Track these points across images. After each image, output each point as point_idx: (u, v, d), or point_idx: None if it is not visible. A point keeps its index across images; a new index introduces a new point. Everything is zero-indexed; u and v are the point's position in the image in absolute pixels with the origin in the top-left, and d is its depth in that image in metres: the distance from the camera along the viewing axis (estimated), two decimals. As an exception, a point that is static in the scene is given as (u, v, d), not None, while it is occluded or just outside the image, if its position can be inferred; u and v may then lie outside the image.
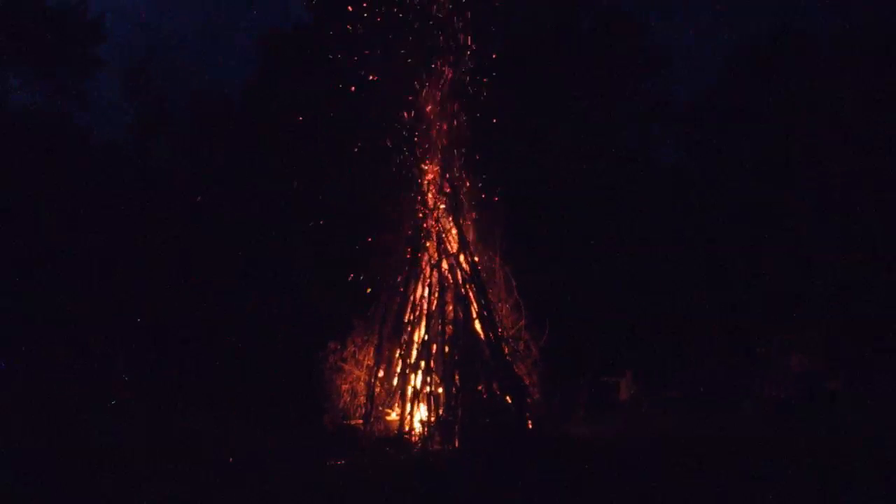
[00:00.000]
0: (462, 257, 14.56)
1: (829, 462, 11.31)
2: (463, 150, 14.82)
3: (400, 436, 13.92)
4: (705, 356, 20.69)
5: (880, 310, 18.76)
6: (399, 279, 14.71)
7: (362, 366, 14.71)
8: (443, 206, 14.82)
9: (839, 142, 20.23)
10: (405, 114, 14.74)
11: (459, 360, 13.99)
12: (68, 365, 17.78)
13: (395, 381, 14.57)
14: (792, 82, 22.03)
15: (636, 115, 23.08)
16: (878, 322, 18.58)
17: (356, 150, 14.79)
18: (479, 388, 13.87)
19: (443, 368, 14.08)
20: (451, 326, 14.27)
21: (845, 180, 20.96)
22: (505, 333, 14.51)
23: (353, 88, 14.89)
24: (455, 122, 14.78)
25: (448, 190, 14.76)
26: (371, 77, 14.61)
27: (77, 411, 16.44)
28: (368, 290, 14.79)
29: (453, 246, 14.65)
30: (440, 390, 14.00)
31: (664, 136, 23.23)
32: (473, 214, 14.96)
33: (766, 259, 20.31)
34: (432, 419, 13.82)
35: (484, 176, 14.88)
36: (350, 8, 14.88)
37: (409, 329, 14.53)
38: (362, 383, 14.64)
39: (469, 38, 14.76)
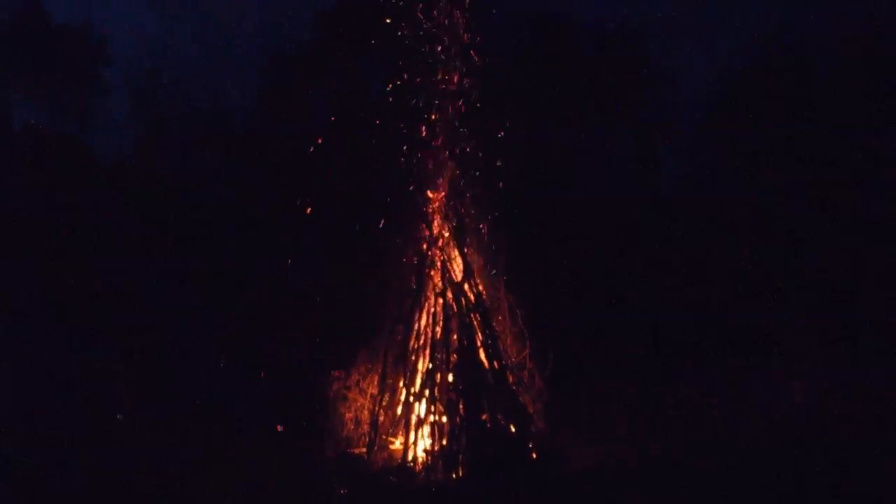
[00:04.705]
0: (467, 286, 14.58)
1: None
2: (468, 176, 14.92)
3: (403, 465, 13.89)
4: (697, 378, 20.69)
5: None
6: (404, 308, 14.72)
7: (366, 394, 14.72)
8: (447, 234, 14.89)
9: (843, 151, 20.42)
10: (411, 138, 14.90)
11: (464, 389, 14.00)
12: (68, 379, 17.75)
13: (398, 410, 14.54)
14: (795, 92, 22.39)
15: (641, 135, 23.36)
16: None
17: (360, 174, 14.92)
18: (484, 417, 13.89)
19: (447, 397, 14.06)
20: (455, 355, 14.27)
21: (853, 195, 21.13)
22: (509, 362, 14.52)
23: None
24: (458, 150, 14.91)
25: (453, 218, 14.84)
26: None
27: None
28: (373, 319, 14.84)
29: (458, 275, 14.68)
30: (444, 419, 13.98)
31: (670, 154, 23.53)
32: (478, 242, 15.02)
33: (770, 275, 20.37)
34: (436, 448, 13.82)
35: (489, 203, 14.98)
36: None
37: (413, 358, 14.50)
38: (366, 412, 14.65)
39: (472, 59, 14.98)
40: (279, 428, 13.93)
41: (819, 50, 23.01)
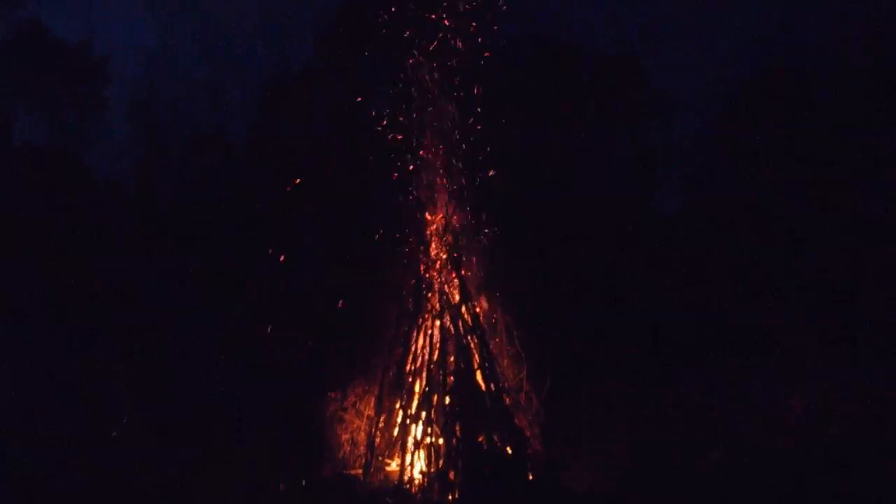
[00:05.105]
0: (464, 308, 14.55)
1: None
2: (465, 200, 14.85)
3: (400, 486, 13.97)
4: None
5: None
6: (401, 330, 14.70)
7: (363, 416, 14.75)
8: (445, 257, 14.82)
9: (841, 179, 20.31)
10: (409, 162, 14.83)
11: (460, 412, 14.00)
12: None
13: (395, 432, 14.57)
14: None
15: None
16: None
17: (359, 197, 14.89)
18: (480, 439, 13.92)
19: (443, 419, 14.07)
20: (452, 377, 14.27)
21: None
22: (506, 385, 14.52)
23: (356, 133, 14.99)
24: (457, 167, 14.83)
25: (451, 241, 14.77)
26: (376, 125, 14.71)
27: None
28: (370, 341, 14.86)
29: (455, 297, 14.64)
30: (441, 441, 14.01)
31: (667, 181, 23.43)
32: (475, 264, 14.97)
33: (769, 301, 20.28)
34: (432, 470, 13.84)
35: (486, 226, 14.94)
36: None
37: (410, 380, 14.53)
38: (363, 433, 14.68)
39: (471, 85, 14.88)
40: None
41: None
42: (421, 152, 14.96)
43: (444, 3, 14.43)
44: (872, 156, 20.89)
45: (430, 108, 14.60)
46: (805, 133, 21.60)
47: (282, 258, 15.58)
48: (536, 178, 18.04)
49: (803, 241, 21.26)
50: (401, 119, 14.60)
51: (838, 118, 21.31)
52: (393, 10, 14.37)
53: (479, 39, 14.61)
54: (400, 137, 14.60)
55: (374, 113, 14.73)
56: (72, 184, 19.59)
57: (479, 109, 14.71)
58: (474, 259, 14.87)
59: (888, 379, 18.05)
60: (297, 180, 15.28)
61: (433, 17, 14.40)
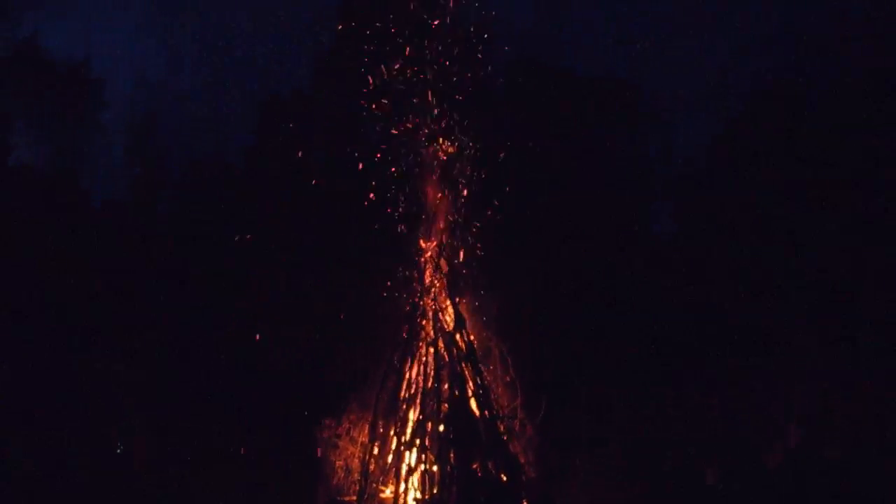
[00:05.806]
0: (458, 336, 14.53)
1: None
2: (460, 226, 14.77)
3: (394, 513, 14.06)
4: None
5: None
6: (395, 357, 14.70)
7: (357, 443, 14.78)
8: (439, 284, 14.77)
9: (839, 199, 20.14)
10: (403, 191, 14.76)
11: (454, 439, 14.05)
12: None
13: (389, 459, 14.60)
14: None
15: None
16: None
17: (354, 223, 14.86)
18: (474, 466, 13.97)
19: (438, 446, 14.11)
20: (446, 405, 14.29)
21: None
22: (500, 412, 14.54)
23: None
24: (451, 196, 14.75)
25: (445, 269, 14.70)
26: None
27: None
28: (364, 367, 14.87)
29: (449, 324, 14.62)
30: (435, 468, 14.05)
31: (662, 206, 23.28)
32: (470, 292, 14.94)
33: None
34: (427, 497, 13.91)
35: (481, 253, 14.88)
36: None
37: (404, 407, 14.53)
38: (357, 460, 14.72)
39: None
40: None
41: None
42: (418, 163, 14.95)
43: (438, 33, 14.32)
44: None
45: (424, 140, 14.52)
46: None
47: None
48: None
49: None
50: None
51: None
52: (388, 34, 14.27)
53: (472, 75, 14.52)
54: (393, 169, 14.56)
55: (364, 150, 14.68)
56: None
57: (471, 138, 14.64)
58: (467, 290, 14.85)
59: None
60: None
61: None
